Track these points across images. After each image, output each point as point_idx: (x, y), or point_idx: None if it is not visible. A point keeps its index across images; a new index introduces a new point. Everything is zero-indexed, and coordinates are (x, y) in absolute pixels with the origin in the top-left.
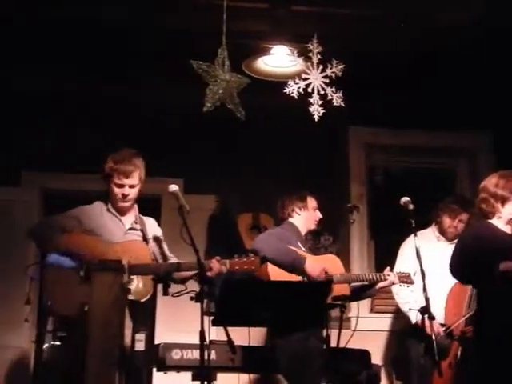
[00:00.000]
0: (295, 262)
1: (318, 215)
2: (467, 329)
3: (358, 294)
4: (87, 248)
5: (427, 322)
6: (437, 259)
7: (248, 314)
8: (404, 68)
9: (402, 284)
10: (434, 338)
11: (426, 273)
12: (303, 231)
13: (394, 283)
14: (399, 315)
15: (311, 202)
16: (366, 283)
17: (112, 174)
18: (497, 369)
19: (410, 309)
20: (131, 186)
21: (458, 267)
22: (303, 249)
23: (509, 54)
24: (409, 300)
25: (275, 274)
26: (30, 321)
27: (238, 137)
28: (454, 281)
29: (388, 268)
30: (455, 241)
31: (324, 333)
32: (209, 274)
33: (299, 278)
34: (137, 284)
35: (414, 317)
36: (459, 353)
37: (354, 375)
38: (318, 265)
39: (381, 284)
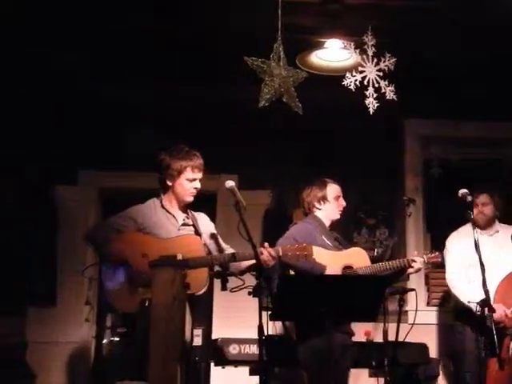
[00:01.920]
0: (314, 269)
1: (342, 203)
2: None
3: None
4: (142, 245)
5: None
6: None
7: (305, 308)
8: (460, 60)
9: (431, 265)
10: (494, 332)
11: (474, 267)
12: (327, 223)
13: (420, 269)
14: (455, 308)
15: (332, 192)
16: (394, 271)
17: (184, 170)
18: None
19: (468, 301)
20: (200, 180)
21: None
22: (328, 242)
23: None
24: (466, 292)
25: None
26: (90, 318)
27: (293, 131)
28: (498, 275)
29: (416, 252)
30: (493, 232)
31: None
32: (261, 257)
33: None
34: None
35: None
36: (511, 346)
37: (412, 369)
38: (338, 267)
39: (410, 270)
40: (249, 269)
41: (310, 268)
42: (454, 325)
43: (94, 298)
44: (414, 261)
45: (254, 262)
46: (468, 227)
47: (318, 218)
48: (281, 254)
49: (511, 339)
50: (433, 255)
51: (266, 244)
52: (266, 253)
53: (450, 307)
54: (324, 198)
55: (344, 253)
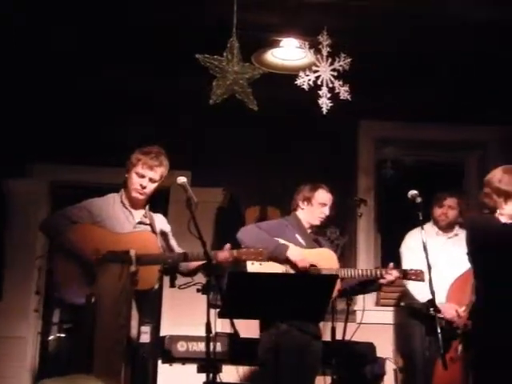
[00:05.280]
0: (276, 249)
1: (324, 212)
2: (468, 322)
3: (354, 290)
4: (95, 239)
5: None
6: (436, 254)
7: (254, 306)
8: (415, 61)
9: (410, 281)
10: (439, 331)
11: (433, 267)
12: (306, 225)
13: (393, 281)
14: (408, 307)
15: (319, 198)
16: (362, 280)
17: (136, 163)
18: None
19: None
20: (151, 180)
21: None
22: (302, 242)
23: None
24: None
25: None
26: (39, 309)
27: (247, 130)
28: (454, 275)
29: (391, 264)
30: (452, 235)
31: (320, 327)
32: (215, 260)
33: (280, 271)
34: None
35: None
36: (460, 347)
37: (359, 368)
38: (303, 255)
39: (381, 281)
40: (198, 269)
41: (272, 250)
42: (402, 324)
43: (42, 289)
44: (389, 273)
45: (203, 262)
46: (428, 226)
47: (298, 217)
48: (235, 255)
49: (460, 341)
50: (412, 271)
51: (228, 245)
52: (222, 255)
53: (403, 306)
54: (309, 200)
55: (312, 251)
